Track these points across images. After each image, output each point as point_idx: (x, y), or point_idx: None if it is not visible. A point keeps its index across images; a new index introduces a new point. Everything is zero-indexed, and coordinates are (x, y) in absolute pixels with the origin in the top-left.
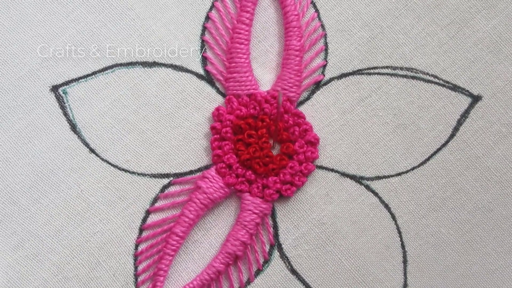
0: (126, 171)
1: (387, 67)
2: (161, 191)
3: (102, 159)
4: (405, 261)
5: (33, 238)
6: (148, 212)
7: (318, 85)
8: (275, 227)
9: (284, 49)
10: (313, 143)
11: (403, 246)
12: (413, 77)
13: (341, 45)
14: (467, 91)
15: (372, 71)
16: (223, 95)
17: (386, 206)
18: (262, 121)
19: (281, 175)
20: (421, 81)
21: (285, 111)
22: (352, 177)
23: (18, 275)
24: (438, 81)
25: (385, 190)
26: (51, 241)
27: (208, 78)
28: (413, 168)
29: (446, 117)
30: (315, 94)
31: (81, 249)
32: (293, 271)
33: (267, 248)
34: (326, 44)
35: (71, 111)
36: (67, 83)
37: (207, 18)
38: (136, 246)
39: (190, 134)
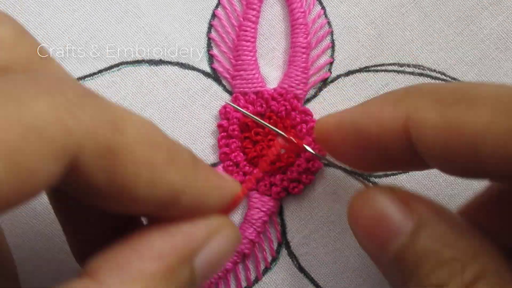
0: None
1: (394, 64)
2: None
3: None
4: None
5: None
6: None
7: (325, 82)
8: (283, 225)
9: (290, 47)
10: None
11: None
12: (420, 74)
13: (348, 42)
14: None
15: (379, 68)
16: (230, 93)
17: None
18: (269, 118)
19: (289, 173)
20: (429, 78)
21: (293, 109)
22: (360, 175)
23: None
24: (445, 78)
25: None
26: None
27: (214, 76)
28: None
29: None
30: (322, 91)
31: None
32: (301, 269)
33: (275, 246)
34: (332, 41)
35: None
36: None
37: (213, 15)
38: None
39: (197, 132)
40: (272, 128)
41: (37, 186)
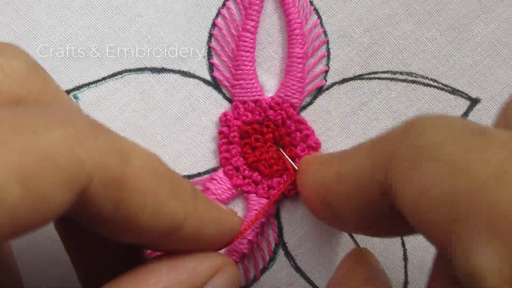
0: None
1: (387, 72)
2: None
3: None
4: (405, 259)
5: None
6: None
7: (320, 90)
8: (280, 226)
9: (287, 56)
10: (315, 147)
11: (403, 244)
12: (412, 81)
13: (342, 51)
14: (466, 94)
15: (372, 76)
16: (230, 100)
17: None
18: (267, 127)
19: (285, 176)
20: (421, 85)
21: (288, 117)
22: None
23: None
24: (437, 84)
25: None
26: None
27: (214, 84)
28: None
29: None
30: (317, 99)
31: None
32: (297, 269)
33: (272, 246)
34: (328, 50)
35: None
36: (77, 88)
37: (213, 25)
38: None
39: (198, 137)
40: (289, 160)
41: (50, 212)
